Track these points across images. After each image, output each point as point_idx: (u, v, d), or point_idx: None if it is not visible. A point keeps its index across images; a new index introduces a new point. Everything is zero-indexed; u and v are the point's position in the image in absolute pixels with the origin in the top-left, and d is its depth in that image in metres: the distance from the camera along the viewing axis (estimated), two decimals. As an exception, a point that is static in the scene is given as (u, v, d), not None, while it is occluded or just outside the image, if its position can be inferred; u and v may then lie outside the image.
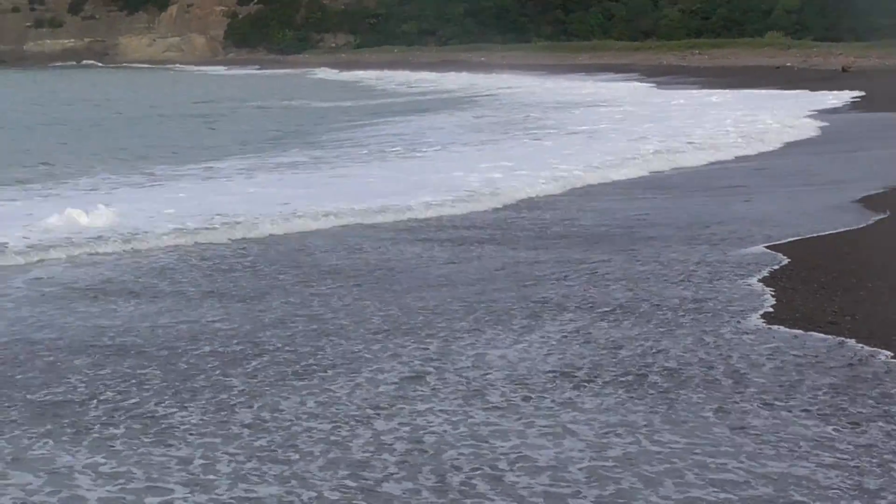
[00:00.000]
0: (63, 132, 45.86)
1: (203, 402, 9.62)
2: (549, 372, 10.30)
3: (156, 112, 59.63)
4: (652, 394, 9.65)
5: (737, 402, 9.36)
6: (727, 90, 63.84)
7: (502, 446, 8.51)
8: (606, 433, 8.73)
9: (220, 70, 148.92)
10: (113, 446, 8.60)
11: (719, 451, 8.31)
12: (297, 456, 8.37)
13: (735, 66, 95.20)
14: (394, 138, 38.59)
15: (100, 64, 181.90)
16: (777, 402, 9.34)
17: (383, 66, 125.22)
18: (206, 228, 18.45)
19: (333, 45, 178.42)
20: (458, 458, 8.27)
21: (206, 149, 36.61)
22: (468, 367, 10.54)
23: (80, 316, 12.86)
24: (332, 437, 8.74)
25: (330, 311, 12.90)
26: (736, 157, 30.31)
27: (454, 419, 9.09)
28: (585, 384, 9.97)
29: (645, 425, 8.86)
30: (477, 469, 8.07)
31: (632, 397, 9.56)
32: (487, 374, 10.30)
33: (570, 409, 9.34)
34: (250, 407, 9.46)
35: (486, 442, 8.59)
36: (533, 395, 9.67)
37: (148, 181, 26.80)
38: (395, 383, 10.04)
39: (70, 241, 17.14)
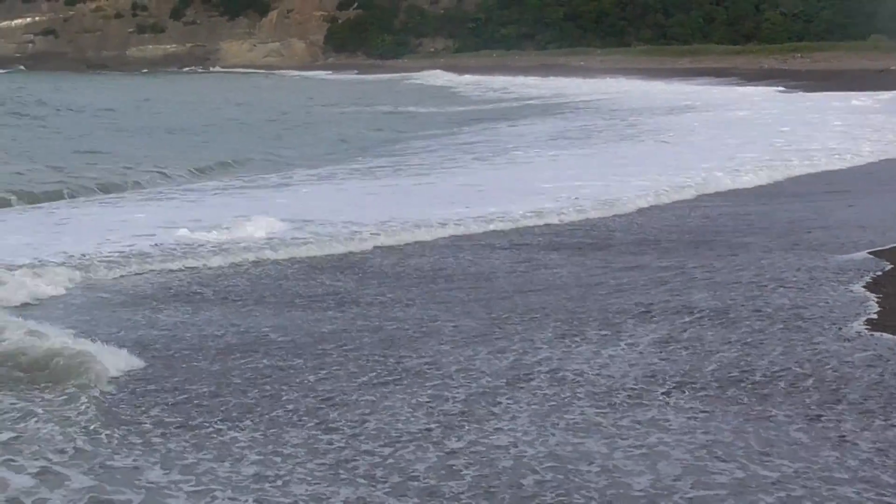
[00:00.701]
0: (228, 132, 48.00)
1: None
2: (643, 379, 10.02)
3: (292, 114, 60.74)
4: (749, 404, 9.26)
5: (836, 414, 8.96)
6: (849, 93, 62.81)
7: (587, 470, 8.08)
8: (703, 454, 8.24)
9: (322, 75, 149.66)
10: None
11: (830, 475, 7.86)
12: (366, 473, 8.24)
13: (837, 70, 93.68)
14: (497, 142, 38.49)
15: (199, 69, 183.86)
16: (878, 415, 8.95)
17: (482, 71, 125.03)
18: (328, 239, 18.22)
19: (432, 49, 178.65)
20: (539, 482, 7.91)
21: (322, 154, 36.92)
22: (558, 375, 10.31)
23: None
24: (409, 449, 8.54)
25: (431, 318, 12.79)
26: (844, 163, 29.81)
27: (532, 437, 8.73)
28: (678, 394, 9.60)
29: (744, 446, 8.36)
30: (562, 497, 7.63)
31: (728, 410, 9.15)
32: (578, 381, 10.06)
33: (662, 424, 8.92)
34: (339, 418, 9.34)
35: (570, 465, 8.16)
36: (622, 406, 9.34)
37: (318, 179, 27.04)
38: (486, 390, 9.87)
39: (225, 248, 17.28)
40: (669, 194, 23.56)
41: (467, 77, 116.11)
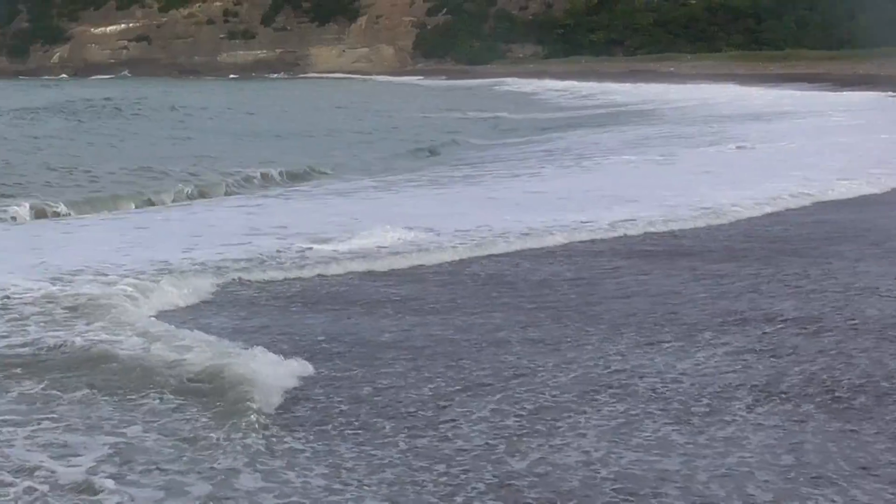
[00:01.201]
0: (328, 135, 49.15)
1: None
2: (723, 392, 9.50)
3: (382, 119, 61.28)
4: (836, 419, 8.74)
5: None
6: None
7: (664, 493, 7.56)
8: (792, 475, 7.69)
9: (411, 80, 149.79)
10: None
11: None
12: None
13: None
14: (578, 149, 37.95)
15: (284, 75, 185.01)
16: None
17: (570, 77, 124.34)
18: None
19: (521, 55, 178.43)
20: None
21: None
22: (630, 388, 9.83)
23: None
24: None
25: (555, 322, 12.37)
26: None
27: (601, 455, 8.31)
28: (760, 408, 9.08)
29: (834, 468, 7.82)
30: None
31: (815, 426, 8.67)
32: (651, 394, 9.57)
33: (743, 441, 8.39)
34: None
35: (644, 486, 7.67)
36: (701, 420, 8.83)
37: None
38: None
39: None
40: (759, 202, 22.84)
41: (554, 83, 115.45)
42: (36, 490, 7.47)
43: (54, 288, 13.62)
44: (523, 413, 9.09)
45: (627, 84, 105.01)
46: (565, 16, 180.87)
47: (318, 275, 15.48)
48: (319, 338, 11.78)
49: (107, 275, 14.66)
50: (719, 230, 19.63)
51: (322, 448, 8.29)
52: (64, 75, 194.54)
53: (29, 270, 14.90)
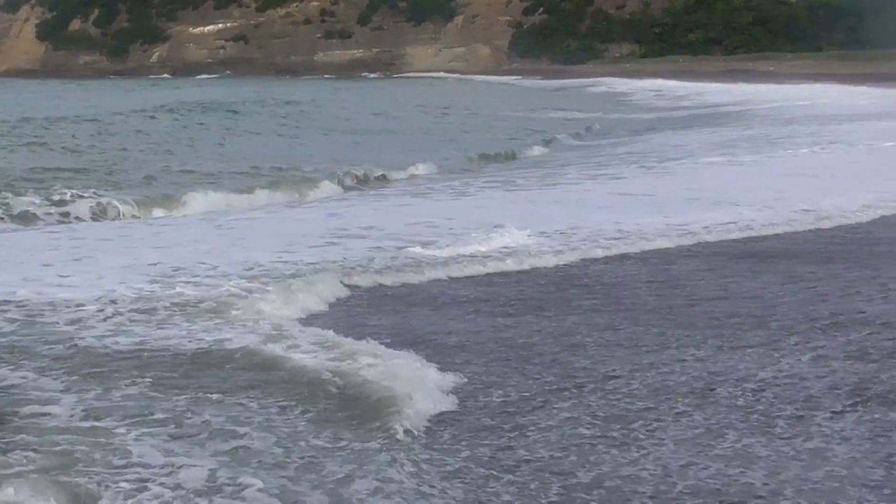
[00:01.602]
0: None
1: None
2: (811, 398, 9.26)
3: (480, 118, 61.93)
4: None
5: None
6: None
7: None
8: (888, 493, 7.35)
9: (506, 80, 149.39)
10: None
11: None
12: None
13: None
14: (662, 151, 37.61)
15: (376, 75, 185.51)
16: None
17: (667, 76, 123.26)
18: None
19: (617, 54, 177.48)
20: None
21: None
22: (713, 392, 9.57)
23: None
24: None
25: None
26: None
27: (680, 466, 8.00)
28: (851, 416, 8.83)
29: None
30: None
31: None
32: (733, 402, 9.28)
33: (832, 451, 8.13)
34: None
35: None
36: (787, 429, 8.57)
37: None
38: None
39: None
40: (861, 204, 22.25)
41: (650, 83, 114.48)
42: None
43: (193, 291, 13.73)
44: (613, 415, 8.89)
45: (725, 84, 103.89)
46: (663, 15, 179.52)
47: (436, 279, 15.42)
48: (452, 340, 11.66)
49: (231, 275, 14.78)
50: (816, 233, 19.26)
51: (476, 469, 7.92)
52: (166, 75, 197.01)
53: (160, 270, 15.16)
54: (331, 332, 11.42)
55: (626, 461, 7.97)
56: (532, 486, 7.52)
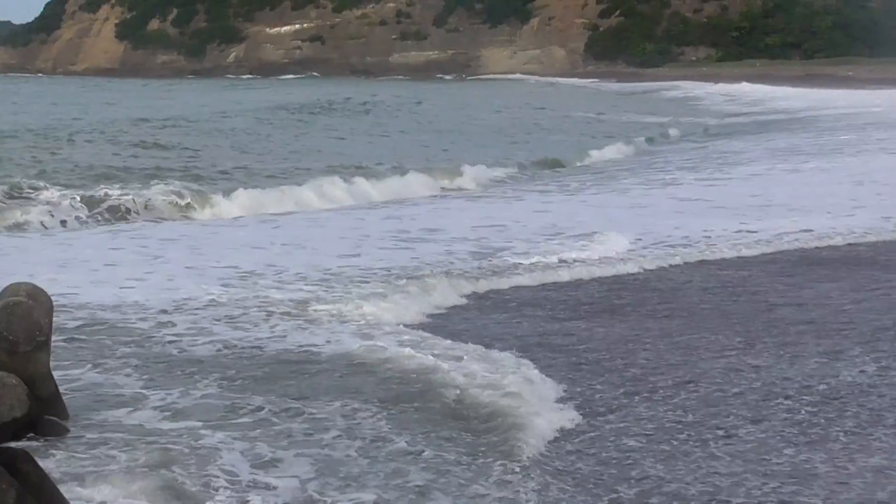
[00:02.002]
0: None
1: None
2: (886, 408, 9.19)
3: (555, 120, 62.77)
4: None
5: None
6: None
7: None
8: None
9: (582, 83, 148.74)
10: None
11: None
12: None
13: None
14: (726, 158, 37.42)
15: (453, 76, 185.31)
16: None
17: (743, 80, 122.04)
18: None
19: (693, 58, 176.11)
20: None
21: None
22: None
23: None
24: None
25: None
26: None
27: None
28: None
29: None
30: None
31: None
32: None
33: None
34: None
35: None
36: (861, 437, 8.60)
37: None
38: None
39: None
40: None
41: (724, 87, 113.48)
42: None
43: (314, 292, 13.96)
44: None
45: (803, 88, 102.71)
46: (741, 18, 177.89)
47: (544, 283, 15.62)
48: (578, 348, 11.61)
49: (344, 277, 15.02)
50: (885, 241, 19.07)
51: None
52: (248, 74, 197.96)
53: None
54: (439, 339, 11.55)
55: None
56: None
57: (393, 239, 18.98)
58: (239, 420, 8.88)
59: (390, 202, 26.92)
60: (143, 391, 9.76)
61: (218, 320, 12.36)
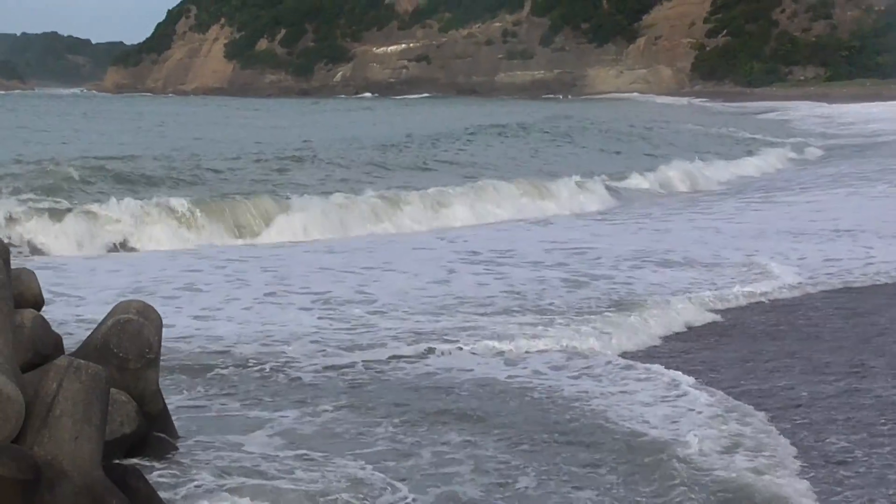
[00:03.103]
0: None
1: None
2: None
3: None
4: None
5: None
6: None
7: None
8: None
9: (686, 101, 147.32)
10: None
11: None
12: None
13: None
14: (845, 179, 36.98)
15: (559, 96, 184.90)
16: None
17: (852, 100, 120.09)
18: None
19: (802, 77, 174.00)
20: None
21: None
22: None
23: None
24: None
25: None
26: None
27: None
28: None
29: None
30: None
31: None
32: None
33: None
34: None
35: None
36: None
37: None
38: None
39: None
40: None
41: (826, 109, 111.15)
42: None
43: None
44: None
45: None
46: (851, 37, 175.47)
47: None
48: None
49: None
50: None
51: None
52: (367, 93, 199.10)
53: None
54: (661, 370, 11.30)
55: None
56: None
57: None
58: (369, 449, 8.90)
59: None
60: (261, 414, 9.79)
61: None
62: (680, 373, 11.20)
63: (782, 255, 19.57)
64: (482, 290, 15.97)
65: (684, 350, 13.00)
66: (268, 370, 11.32)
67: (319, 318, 13.95)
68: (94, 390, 7.18)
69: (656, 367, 11.55)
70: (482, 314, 14.21)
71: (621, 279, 17.02)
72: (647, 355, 12.63)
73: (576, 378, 11.11)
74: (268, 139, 51.88)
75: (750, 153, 50.18)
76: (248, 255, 20.41)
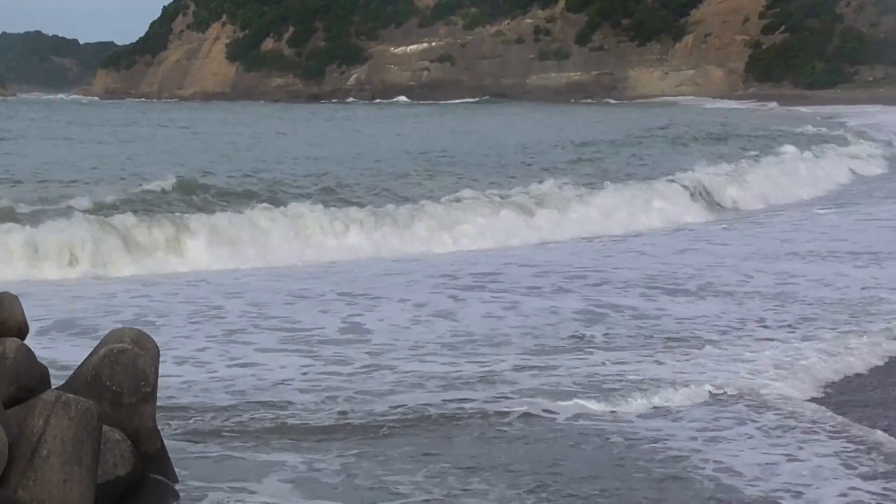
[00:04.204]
0: None
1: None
2: None
3: None
4: None
5: None
6: None
7: None
8: None
9: (741, 105, 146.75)
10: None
11: None
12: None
13: None
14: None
15: (595, 100, 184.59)
16: None
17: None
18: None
19: (870, 78, 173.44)
20: None
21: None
22: None
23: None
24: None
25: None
26: None
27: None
28: None
29: None
30: None
31: None
32: None
33: None
34: None
35: None
36: None
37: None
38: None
39: None
40: None
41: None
42: None
43: None
44: None
45: None
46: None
47: None
48: None
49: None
50: None
51: None
52: (402, 97, 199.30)
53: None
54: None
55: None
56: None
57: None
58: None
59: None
60: (270, 458, 9.80)
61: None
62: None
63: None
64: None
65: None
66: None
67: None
68: (85, 428, 7.19)
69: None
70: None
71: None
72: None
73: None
74: (408, 147, 55.41)
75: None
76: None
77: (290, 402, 11.56)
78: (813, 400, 11.95)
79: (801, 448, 10.05)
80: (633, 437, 10.44)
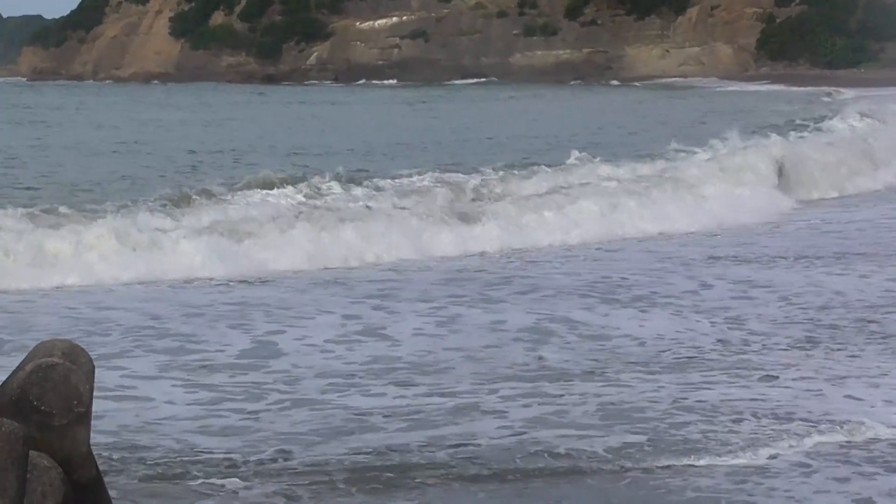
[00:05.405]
0: None
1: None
2: None
3: None
4: None
5: None
6: None
7: None
8: None
9: (752, 88, 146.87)
10: None
11: None
12: None
13: None
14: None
15: (577, 82, 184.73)
16: None
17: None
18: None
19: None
20: None
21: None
22: None
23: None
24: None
25: None
26: None
27: None
28: None
29: None
30: None
31: None
32: None
33: None
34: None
35: None
36: None
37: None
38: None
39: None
40: None
41: None
42: None
43: None
44: None
45: None
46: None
47: None
48: None
49: None
50: None
51: None
52: (393, 80, 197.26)
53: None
54: None
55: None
56: None
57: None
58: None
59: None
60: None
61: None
62: None
63: None
64: None
65: None
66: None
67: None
68: (9, 454, 7.17)
69: None
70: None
71: None
72: None
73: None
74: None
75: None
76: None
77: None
78: None
79: None
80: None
